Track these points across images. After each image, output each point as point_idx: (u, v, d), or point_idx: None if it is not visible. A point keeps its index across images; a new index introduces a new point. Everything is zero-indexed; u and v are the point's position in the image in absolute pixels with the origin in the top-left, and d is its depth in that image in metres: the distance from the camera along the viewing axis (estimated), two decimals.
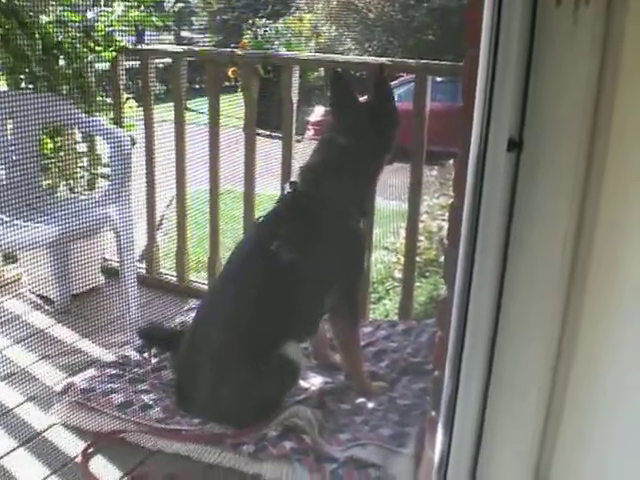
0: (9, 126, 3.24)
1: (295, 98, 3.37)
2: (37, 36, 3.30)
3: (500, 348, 1.57)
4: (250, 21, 5.13)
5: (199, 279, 3.94)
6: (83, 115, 3.40)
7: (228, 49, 3.61)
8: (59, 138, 3.56)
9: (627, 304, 1.42)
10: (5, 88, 3.44)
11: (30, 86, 3.47)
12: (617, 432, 1.49)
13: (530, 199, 1.40)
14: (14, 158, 3.25)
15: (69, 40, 3.43)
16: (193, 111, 4.26)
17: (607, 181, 1.34)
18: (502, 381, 1.59)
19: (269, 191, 3.74)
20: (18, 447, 2.49)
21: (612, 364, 1.46)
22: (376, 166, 2.79)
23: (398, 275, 4.05)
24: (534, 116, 1.36)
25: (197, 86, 4.82)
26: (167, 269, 3.98)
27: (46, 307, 3.52)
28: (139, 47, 3.71)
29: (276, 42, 4.65)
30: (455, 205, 1.63)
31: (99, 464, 2.43)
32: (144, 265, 3.91)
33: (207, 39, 5.41)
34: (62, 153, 3.62)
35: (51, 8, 3.41)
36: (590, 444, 1.54)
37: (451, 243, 1.67)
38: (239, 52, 3.51)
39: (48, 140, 3.52)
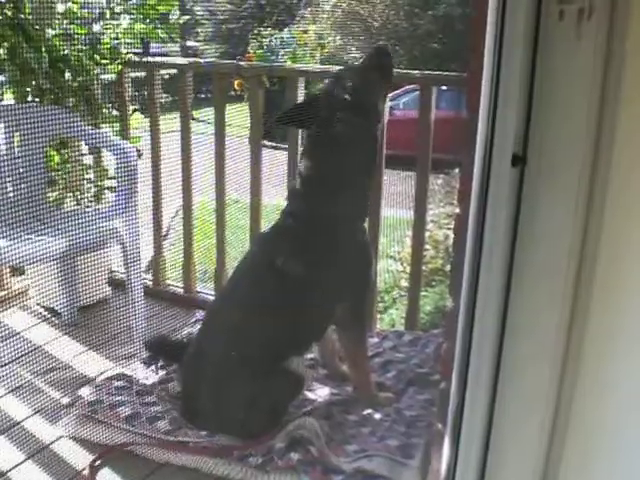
0: (16, 139, 3.25)
1: None
2: (43, 49, 3.32)
3: (506, 360, 1.57)
4: (255, 31, 5.14)
5: (206, 290, 3.93)
6: (89, 128, 3.41)
7: (234, 61, 3.62)
8: (65, 151, 3.58)
9: (632, 317, 1.42)
10: (12, 101, 3.46)
11: (36, 99, 3.49)
12: (623, 447, 1.49)
13: (535, 214, 1.40)
14: (21, 171, 3.26)
15: (75, 53, 3.44)
16: (199, 121, 4.27)
17: (611, 196, 1.34)
18: (508, 393, 1.59)
19: (275, 201, 3.75)
20: (26, 460, 2.50)
21: (618, 376, 1.46)
22: (366, 164, 2.72)
23: (404, 284, 4.05)
24: (538, 131, 1.36)
25: (203, 96, 4.83)
26: (174, 280, 3.98)
27: (53, 319, 3.53)
28: (145, 60, 3.72)
29: (281, 52, 4.66)
30: (461, 216, 1.63)
31: (106, 477, 2.43)
32: (151, 276, 3.92)
33: (213, 49, 5.42)
34: (68, 166, 3.63)
35: (57, 21, 3.42)
36: (597, 453, 1.53)
37: (457, 254, 1.67)
38: (244, 64, 3.52)
39: (54, 153, 3.53)
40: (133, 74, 3.76)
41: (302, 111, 2.76)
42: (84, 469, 2.45)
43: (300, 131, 3.34)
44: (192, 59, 4.03)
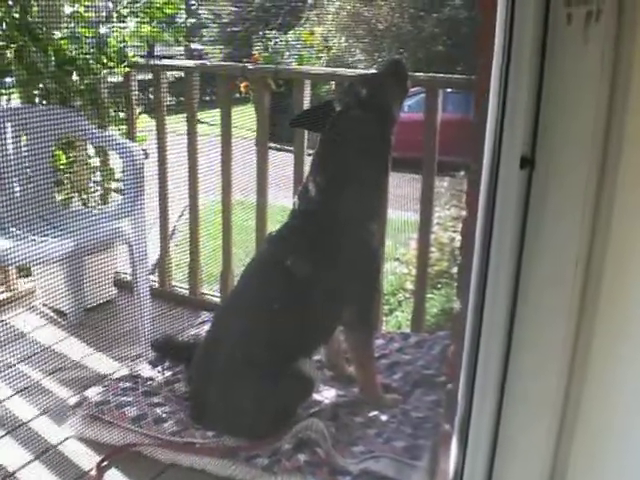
0: (23, 140, 3.27)
1: None
2: (50, 52, 3.33)
3: (514, 362, 1.57)
4: (260, 33, 5.15)
5: (211, 291, 3.94)
6: (96, 129, 3.42)
7: (240, 63, 3.63)
8: (72, 152, 3.59)
9: (638, 325, 1.42)
10: (19, 103, 3.47)
11: (43, 101, 3.50)
12: (630, 449, 1.49)
13: (542, 217, 1.41)
14: (28, 172, 3.27)
15: (82, 55, 3.45)
16: (205, 123, 4.28)
17: (619, 200, 1.34)
18: (516, 395, 1.59)
19: (281, 202, 3.75)
20: (33, 460, 2.51)
21: (625, 380, 1.46)
22: (379, 168, 2.76)
23: (410, 287, 4.05)
24: (546, 134, 1.36)
25: (209, 98, 4.85)
26: (180, 281, 3.99)
27: (59, 320, 3.54)
28: (151, 62, 3.73)
29: (287, 54, 4.67)
30: (468, 219, 1.64)
31: (114, 477, 2.44)
32: (157, 278, 3.92)
33: (218, 51, 5.44)
34: (75, 167, 3.64)
35: (64, 24, 3.44)
36: (604, 461, 1.54)
37: (464, 257, 1.67)
38: (250, 66, 3.53)
39: (61, 154, 3.54)
40: (139, 76, 3.77)
41: (317, 114, 2.79)
42: (91, 470, 2.46)
43: (307, 133, 3.35)
44: (198, 61, 4.04)
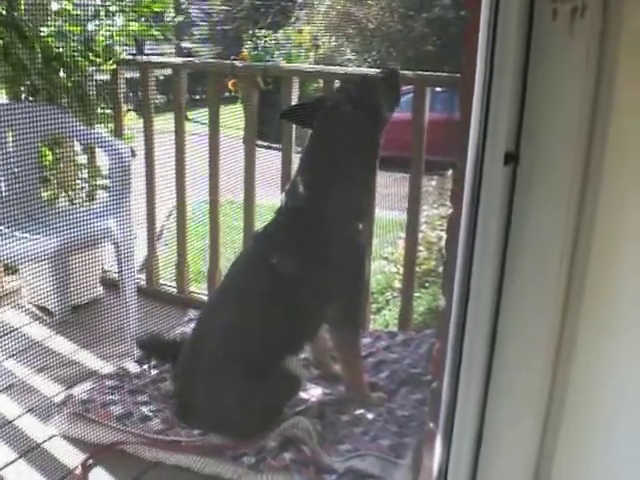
0: (9, 138, 3.25)
1: None
2: (37, 48, 3.31)
3: (499, 356, 1.57)
4: (250, 32, 5.14)
5: (199, 290, 3.94)
6: (83, 127, 3.41)
7: (228, 61, 3.63)
8: (59, 150, 3.57)
9: (624, 314, 1.42)
10: (5, 100, 3.45)
11: (30, 98, 3.48)
12: (615, 443, 1.49)
13: (527, 212, 1.41)
14: (14, 170, 3.26)
15: (69, 52, 3.44)
16: (193, 122, 4.27)
17: (603, 194, 1.34)
18: (501, 389, 1.59)
19: (269, 201, 3.75)
20: (18, 458, 2.49)
21: (609, 374, 1.46)
22: (367, 166, 2.77)
23: (398, 285, 4.05)
24: (530, 130, 1.36)
25: (197, 97, 4.84)
26: (167, 280, 3.97)
27: (45, 318, 3.52)
28: (139, 59, 3.72)
29: (276, 53, 4.67)
30: (453, 217, 1.64)
31: (99, 476, 2.43)
32: (144, 276, 3.91)
33: (207, 50, 5.42)
34: (62, 165, 3.63)
35: (51, 20, 3.42)
36: (589, 455, 1.54)
37: (450, 255, 1.67)
38: (239, 64, 3.53)
39: (48, 152, 3.52)
40: (127, 74, 3.76)
41: (308, 109, 2.78)
42: (76, 468, 2.44)
43: (295, 132, 3.35)
44: (187, 59, 4.03)
